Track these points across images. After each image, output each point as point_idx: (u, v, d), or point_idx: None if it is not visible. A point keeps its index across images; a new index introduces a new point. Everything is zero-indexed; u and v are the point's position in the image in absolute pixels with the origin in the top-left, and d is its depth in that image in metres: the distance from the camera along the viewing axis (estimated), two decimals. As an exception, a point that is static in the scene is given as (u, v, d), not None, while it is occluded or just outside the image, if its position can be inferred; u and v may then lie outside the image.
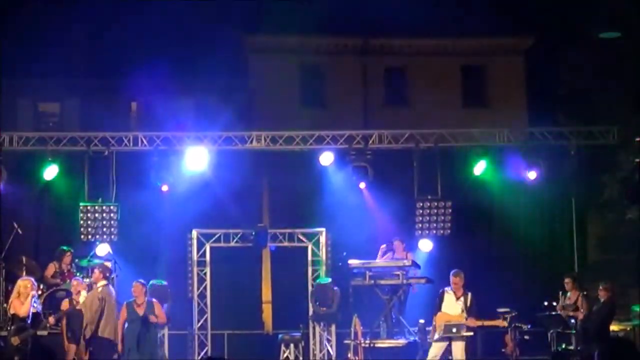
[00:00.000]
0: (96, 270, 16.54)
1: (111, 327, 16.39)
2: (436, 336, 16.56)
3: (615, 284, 18.50)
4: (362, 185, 20.06)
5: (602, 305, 17.39)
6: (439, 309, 16.49)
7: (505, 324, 16.66)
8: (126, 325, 16.77)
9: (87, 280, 17.70)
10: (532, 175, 19.78)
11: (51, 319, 16.80)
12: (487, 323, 16.53)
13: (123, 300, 17.00)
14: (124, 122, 25.69)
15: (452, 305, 16.46)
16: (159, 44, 25.26)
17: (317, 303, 19.08)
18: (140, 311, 16.91)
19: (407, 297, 19.02)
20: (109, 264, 18.05)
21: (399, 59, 28.10)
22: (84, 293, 16.80)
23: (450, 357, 17.53)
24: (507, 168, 20.08)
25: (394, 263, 18.84)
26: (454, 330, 17.19)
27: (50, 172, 19.50)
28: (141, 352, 16.75)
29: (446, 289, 16.72)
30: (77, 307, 16.71)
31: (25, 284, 16.64)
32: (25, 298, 16.45)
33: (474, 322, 16.41)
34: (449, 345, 16.64)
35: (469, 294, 16.57)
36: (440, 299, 16.57)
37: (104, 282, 16.50)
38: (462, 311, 16.43)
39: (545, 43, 25.95)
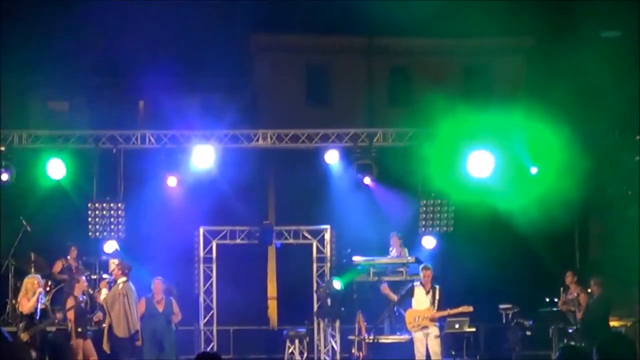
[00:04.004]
0: (115, 268, 16.69)
1: (132, 322, 16.62)
2: (416, 330, 16.70)
3: (614, 280, 18.64)
4: (367, 180, 20.05)
5: (596, 300, 17.56)
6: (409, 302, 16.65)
7: (471, 308, 16.70)
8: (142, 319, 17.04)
9: (100, 276, 17.88)
10: (533, 172, 19.91)
11: (58, 315, 17.02)
12: (452, 311, 16.67)
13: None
14: (131, 121, 25.86)
15: (422, 299, 16.64)
16: (166, 43, 25.44)
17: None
18: (160, 307, 17.15)
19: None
20: (116, 261, 18.22)
21: (404, 59, 28.24)
22: (104, 291, 16.96)
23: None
24: (509, 165, 20.19)
25: (398, 260, 18.91)
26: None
27: (57, 171, 19.63)
28: (165, 347, 17.08)
29: (415, 283, 16.89)
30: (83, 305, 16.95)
31: (32, 281, 16.89)
32: (33, 295, 16.71)
33: (440, 313, 16.60)
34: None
35: (437, 287, 16.77)
36: (411, 293, 16.69)
37: (124, 278, 16.67)
38: (430, 304, 16.64)
39: (546, 42, 26.03)
